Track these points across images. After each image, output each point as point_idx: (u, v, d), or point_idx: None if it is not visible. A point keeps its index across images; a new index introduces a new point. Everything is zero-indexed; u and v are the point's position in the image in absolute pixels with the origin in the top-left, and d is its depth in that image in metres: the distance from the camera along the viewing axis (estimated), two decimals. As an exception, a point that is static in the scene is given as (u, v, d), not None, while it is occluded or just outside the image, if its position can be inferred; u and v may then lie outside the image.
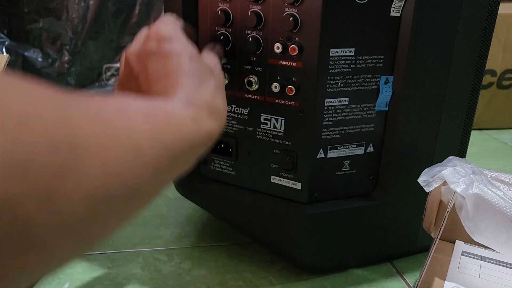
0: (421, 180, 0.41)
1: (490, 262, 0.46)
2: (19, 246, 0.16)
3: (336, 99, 0.45)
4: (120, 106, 0.23)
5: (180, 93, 0.30)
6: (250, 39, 0.44)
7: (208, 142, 0.31)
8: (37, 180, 0.16)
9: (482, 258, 0.47)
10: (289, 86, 0.44)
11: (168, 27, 0.34)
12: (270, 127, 0.46)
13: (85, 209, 0.18)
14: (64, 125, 0.17)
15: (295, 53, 0.42)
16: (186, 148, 0.27)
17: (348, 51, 0.43)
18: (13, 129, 0.15)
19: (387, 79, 0.46)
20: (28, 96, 0.17)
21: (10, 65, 1.09)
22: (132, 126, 0.22)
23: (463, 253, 0.47)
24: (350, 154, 0.47)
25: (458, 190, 0.39)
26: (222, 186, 0.52)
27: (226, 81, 0.47)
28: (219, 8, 0.45)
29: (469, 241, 0.47)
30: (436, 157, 0.51)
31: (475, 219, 0.39)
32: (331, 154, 0.47)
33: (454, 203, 0.41)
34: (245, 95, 0.47)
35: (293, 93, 0.44)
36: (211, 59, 0.38)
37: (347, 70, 0.44)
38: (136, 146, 0.22)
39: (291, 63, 0.43)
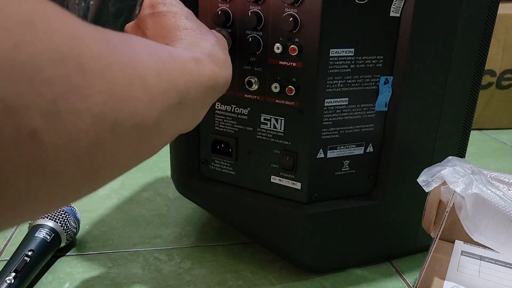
0: (421, 180, 0.42)
1: (490, 262, 0.46)
2: (26, 164, 0.15)
3: (335, 99, 0.45)
4: (126, 38, 0.22)
5: (180, 44, 0.32)
6: (250, 40, 0.44)
7: (212, 86, 0.31)
8: (42, 91, 0.15)
9: (481, 258, 0.47)
10: (289, 86, 0.44)
11: None
12: (270, 127, 0.47)
13: (93, 132, 0.18)
14: (70, 40, 0.17)
15: (295, 53, 0.43)
16: (191, 87, 0.27)
17: (347, 51, 0.43)
18: (17, 30, 0.14)
19: (386, 79, 0.46)
20: (37, 5, 0.16)
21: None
22: (137, 56, 0.22)
23: (463, 253, 0.48)
24: (350, 154, 0.48)
25: (458, 190, 0.39)
26: (222, 186, 0.52)
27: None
28: (219, 8, 0.45)
29: (469, 240, 0.48)
30: (435, 157, 0.51)
31: (474, 219, 0.39)
32: (330, 154, 0.47)
33: (453, 203, 0.41)
34: (245, 95, 0.47)
35: (293, 93, 0.44)
36: (212, 31, 0.39)
37: (346, 70, 0.44)
38: (143, 76, 0.21)
39: (291, 63, 0.43)
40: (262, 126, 0.47)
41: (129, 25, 0.37)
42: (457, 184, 0.39)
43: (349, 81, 0.45)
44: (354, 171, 0.49)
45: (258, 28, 0.44)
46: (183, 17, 0.34)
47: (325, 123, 0.45)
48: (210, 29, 0.47)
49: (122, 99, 0.20)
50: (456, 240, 0.50)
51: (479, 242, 0.40)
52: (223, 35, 0.42)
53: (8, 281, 0.44)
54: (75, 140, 0.17)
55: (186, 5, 0.47)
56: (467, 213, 0.39)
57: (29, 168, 0.16)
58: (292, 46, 0.42)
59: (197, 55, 0.30)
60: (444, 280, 0.44)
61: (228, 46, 0.44)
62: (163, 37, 0.33)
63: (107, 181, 0.22)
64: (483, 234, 0.39)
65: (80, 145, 0.17)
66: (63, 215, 0.53)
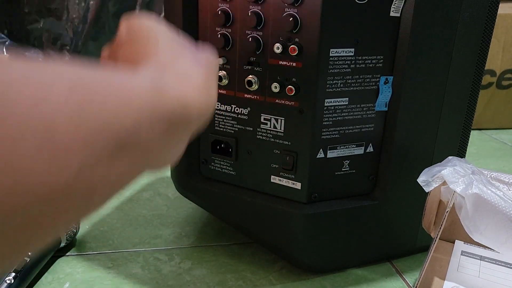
0: (421, 180, 0.42)
1: (490, 262, 0.46)
2: None
3: (336, 99, 0.45)
4: (34, 68, 0.17)
5: (148, 68, 0.26)
6: (250, 39, 0.44)
7: (180, 120, 0.25)
8: None
9: (481, 258, 0.47)
10: (289, 86, 0.44)
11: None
12: (270, 127, 0.47)
13: None
14: None
15: (295, 53, 0.43)
16: (143, 125, 0.21)
17: (347, 51, 0.43)
18: None
19: (386, 79, 0.46)
20: None
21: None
22: (41, 96, 0.16)
23: (463, 253, 0.48)
24: (350, 154, 0.48)
25: (458, 190, 0.39)
26: (222, 186, 0.52)
27: (226, 81, 0.47)
28: (219, 8, 0.45)
29: (469, 241, 0.48)
30: (435, 157, 0.51)
31: (474, 219, 0.39)
32: (330, 154, 0.47)
33: (453, 203, 0.41)
34: (245, 95, 0.47)
35: (293, 93, 0.44)
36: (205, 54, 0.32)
37: (346, 70, 0.44)
38: (47, 125, 0.16)
39: (291, 63, 0.43)
40: (262, 126, 0.47)
41: (105, 50, 0.31)
42: (457, 184, 0.39)
43: (349, 81, 0.45)
44: (354, 171, 0.49)
45: (258, 28, 0.44)
46: (164, 38, 0.29)
47: (325, 123, 0.45)
48: (210, 29, 0.47)
49: (7, 164, 0.15)
50: (456, 240, 0.49)
51: (479, 242, 0.40)
52: (219, 61, 0.37)
53: (8, 281, 0.44)
54: None
55: (186, 5, 0.47)
56: (467, 213, 0.39)
57: None
58: (292, 46, 0.42)
59: (159, 81, 0.24)
60: (444, 280, 0.44)
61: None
62: (136, 62, 0.27)
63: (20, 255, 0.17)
64: (483, 234, 0.39)
65: None
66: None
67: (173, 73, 0.26)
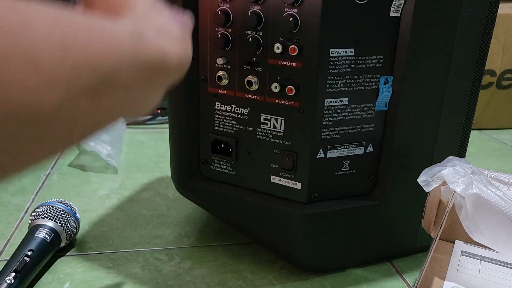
0: (421, 180, 0.42)
1: (490, 262, 0.46)
2: None
3: (336, 99, 0.45)
4: (18, 3, 0.18)
5: (126, 17, 0.27)
6: (250, 39, 0.44)
7: (159, 66, 0.26)
8: None
9: (481, 258, 0.47)
10: (289, 86, 0.44)
11: None
12: (270, 127, 0.47)
13: None
14: None
15: (295, 53, 0.43)
16: (124, 66, 0.23)
17: (347, 51, 0.43)
18: None
19: (386, 79, 0.46)
20: None
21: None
22: (27, 27, 0.17)
23: (463, 253, 0.48)
24: (350, 154, 0.48)
25: (458, 190, 0.39)
26: (222, 186, 0.52)
27: (226, 81, 0.47)
28: (219, 8, 0.45)
29: (469, 241, 0.48)
30: (435, 157, 0.51)
31: (474, 219, 0.39)
32: (330, 154, 0.47)
33: (453, 203, 0.41)
34: (245, 95, 0.47)
35: (293, 93, 0.44)
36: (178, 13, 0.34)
37: (346, 70, 0.44)
38: (33, 53, 0.17)
39: (291, 63, 0.43)
40: (262, 126, 0.47)
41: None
42: (457, 184, 0.39)
43: (349, 81, 0.45)
44: (354, 171, 0.49)
45: (258, 28, 0.44)
46: None
47: (325, 123, 0.45)
48: (210, 29, 0.47)
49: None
50: (456, 240, 0.49)
51: (479, 242, 0.40)
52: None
53: (8, 281, 0.44)
54: None
55: (186, 5, 0.47)
56: (467, 213, 0.39)
57: None
58: (292, 46, 0.42)
59: (139, 29, 0.25)
60: (444, 280, 0.44)
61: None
62: (114, 13, 0.28)
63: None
64: (483, 234, 0.39)
65: None
66: (63, 215, 0.53)
67: (151, 25, 0.27)
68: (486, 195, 0.39)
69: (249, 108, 0.47)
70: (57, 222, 0.52)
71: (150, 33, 0.26)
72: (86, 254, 0.55)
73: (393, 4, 0.43)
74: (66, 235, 0.53)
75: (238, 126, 0.48)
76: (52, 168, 0.79)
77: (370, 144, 0.48)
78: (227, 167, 0.51)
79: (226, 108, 0.48)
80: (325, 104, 0.44)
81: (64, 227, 0.53)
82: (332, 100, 0.45)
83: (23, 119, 0.17)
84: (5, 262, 0.47)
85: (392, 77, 0.46)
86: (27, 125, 0.18)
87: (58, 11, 0.20)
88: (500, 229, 0.39)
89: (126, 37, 0.24)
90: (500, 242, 0.39)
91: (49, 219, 0.52)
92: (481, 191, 0.39)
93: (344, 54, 0.43)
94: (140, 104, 0.28)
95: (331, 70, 0.43)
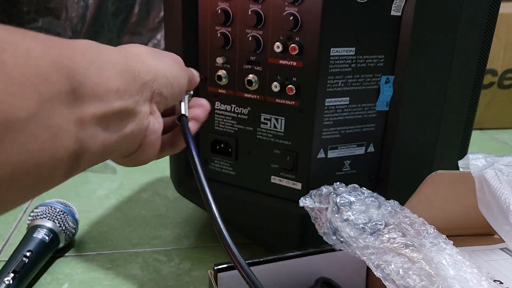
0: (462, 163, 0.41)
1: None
2: None
3: (336, 99, 0.44)
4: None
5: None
6: (250, 38, 0.44)
7: (131, 73, 0.27)
8: None
9: None
10: (289, 86, 0.43)
11: None
12: (270, 127, 0.46)
13: None
14: None
15: (295, 53, 0.42)
16: (92, 67, 0.23)
17: (348, 51, 0.43)
18: None
19: (387, 78, 0.46)
20: None
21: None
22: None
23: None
24: (351, 154, 0.47)
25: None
26: (222, 186, 0.51)
27: (226, 81, 0.47)
28: (219, 7, 0.45)
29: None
30: (436, 157, 0.51)
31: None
32: (331, 154, 0.46)
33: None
34: (245, 95, 0.46)
35: (293, 93, 0.43)
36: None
37: (347, 69, 0.44)
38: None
39: (291, 62, 0.43)
40: (262, 126, 0.47)
41: None
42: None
43: (350, 81, 0.44)
44: (355, 171, 0.48)
45: (258, 27, 0.44)
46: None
47: (325, 122, 0.45)
48: (210, 28, 0.46)
49: None
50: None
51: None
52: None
53: (7, 282, 0.43)
54: None
55: (186, 4, 0.47)
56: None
57: None
58: (292, 45, 0.42)
59: (94, 42, 0.26)
60: None
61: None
62: None
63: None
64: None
65: None
66: (61, 215, 0.53)
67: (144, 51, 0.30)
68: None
69: (249, 108, 0.47)
70: (55, 223, 0.52)
71: (126, 49, 0.28)
72: (85, 254, 0.55)
73: (394, 3, 0.43)
74: (65, 235, 0.53)
75: (238, 126, 0.48)
76: (51, 168, 0.79)
77: (371, 144, 0.48)
78: (227, 167, 0.51)
79: (226, 107, 0.48)
80: (326, 104, 0.44)
81: (63, 227, 0.52)
82: (333, 99, 0.44)
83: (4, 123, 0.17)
84: (4, 262, 0.46)
85: (393, 76, 0.46)
86: (7, 129, 0.18)
87: (21, 30, 0.20)
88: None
89: (83, 43, 0.24)
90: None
91: (48, 219, 0.52)
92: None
93: (345, 53, 0.43)
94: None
95: (331, 70, 0.43)
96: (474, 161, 0.39)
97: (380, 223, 0.36)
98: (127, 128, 0.27)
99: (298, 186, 0.47)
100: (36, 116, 0.19)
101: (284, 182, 0.47)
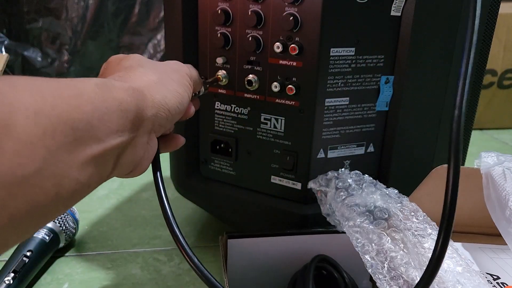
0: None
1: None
2: None
3: (336, 99, 0.44)
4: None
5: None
6: (250, 39, 0.44)
7: (128, 110, 0.27)
8: None
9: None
10: (289, 86, 0.43)
11: None
12: (270, 127, 0.46)
13: None
14: None
15: (295, 53, 0.42)
16: (95, 116, 0.24)
17: (348, 51, 0.43)
18: None
19: (387, 78, 0.46)
20: None
21: (10, 64, 1.09)
22: (5, 99, 0.19)
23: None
24: (351, 154, 0.47)
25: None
26: (222, 186, 0.51)
27: (226, 81, 0.47)
28: (219, 7, 0.45)
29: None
30: (436, 157, 0.51)
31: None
32: (331, 154, 0.46)
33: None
34: (245, 95, 0.47)
35: (293, 93, 0.43)
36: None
37: (347, 69, 0.44)
38: (4, 121, 0.19)
39: (291, 62, 0.43)
40: (262, 126, 0.47)
41: None
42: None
43: (350, 81, 0.44)
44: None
45: (258, 27, 0.44)
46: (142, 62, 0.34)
47: (325, 122, 0.45)
48: (210, 28, 0.46)
49: None
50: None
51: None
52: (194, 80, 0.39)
53: (7, 282, 0.44)
54: None
55: (186, 4, 0.47)
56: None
57: None
58: (292, 45, 0.42)
59: (105, 80, 0.26)
60: None
61: (199, 91, 0.43)
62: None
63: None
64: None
65: None
66: (62, 215, 0.53)
67: (139, 78, 0.31)
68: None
69: (249, 108, 0.47)
70: (56, 223, 0.52)
71: (115, 82, 0.27)
72: (85, 254, 0.55)
73: (394, 3, 0.43)
74: (65, 235, 0.53)
75: (238, 126, 0.48)
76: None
77: (371, 144, 0.48)
78: (227, 167, 0.51)
79: (226, 107, 0.48)
80: (326, 104, 0.44)
81: (63, 227, 0.52)
82: (333, 99, 0.44)
83: (7, 181, 0.18)
84: (4, 262, 0.46)
85: (393, 76, 0.46)
86: (16, 186, 0.19)
87: (39, 81, 0.21)
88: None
89: (92, 88, 0.24)
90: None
91: (48, 219, 0.52)
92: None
93: (345, 53, 0.43)
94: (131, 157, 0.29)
95: (331, 70, 0.43)
96: (485, 159, 0.39)
97: (372, 206, 0.38)
98: (122, 159, 0.28)
99: (298, 186, 0.47)
100: (42, 169, 0.20)
101: (284, 182, 0.47)
